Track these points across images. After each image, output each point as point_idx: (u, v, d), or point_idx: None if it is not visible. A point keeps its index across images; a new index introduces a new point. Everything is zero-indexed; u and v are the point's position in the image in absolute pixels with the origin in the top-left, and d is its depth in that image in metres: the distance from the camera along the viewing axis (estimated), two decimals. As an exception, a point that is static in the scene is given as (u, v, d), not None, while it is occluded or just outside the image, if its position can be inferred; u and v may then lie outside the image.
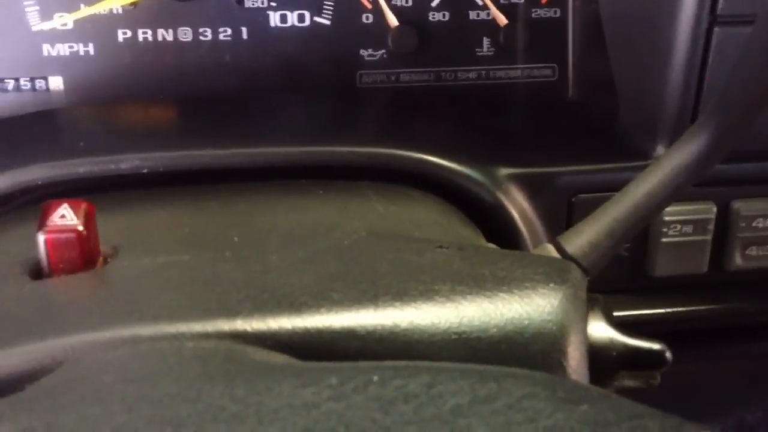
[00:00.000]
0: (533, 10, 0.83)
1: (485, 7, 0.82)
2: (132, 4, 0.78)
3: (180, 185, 0.60)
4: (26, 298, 0.45)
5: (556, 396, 0.33)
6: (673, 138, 0.67)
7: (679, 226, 0.70)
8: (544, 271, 0.46)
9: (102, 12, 0.78)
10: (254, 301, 0.42)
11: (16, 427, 0.33)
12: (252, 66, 0.81)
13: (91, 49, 0.79)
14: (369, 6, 0.81)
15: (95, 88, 0.79)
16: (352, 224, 0.54)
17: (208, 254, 0.48)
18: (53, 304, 0.44)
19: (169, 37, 0.79)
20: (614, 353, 0.47)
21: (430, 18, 0.82)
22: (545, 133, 0.77)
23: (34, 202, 0.58)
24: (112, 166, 0.60)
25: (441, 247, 0.49)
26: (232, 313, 0.41)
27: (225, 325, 0.40)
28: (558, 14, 0.83)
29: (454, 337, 0.42)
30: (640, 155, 0.70)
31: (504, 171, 0.66)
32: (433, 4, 0.82)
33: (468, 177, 0.64)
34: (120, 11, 0.78)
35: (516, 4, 0.83)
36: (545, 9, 0.83)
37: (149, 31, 0.79)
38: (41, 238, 0.46)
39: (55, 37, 0.78)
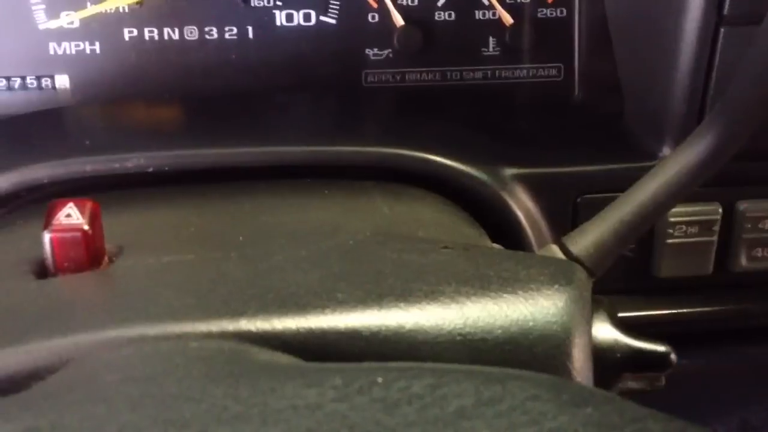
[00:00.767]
0: (539, 9, 0.83)
1: (491, 7, 0.82)
2: (138, 2, 0.78)
3: (185, 184, 0.60)
4: (31, 296, 0.45)
5: (560, 398, 0.33)
6: (679, 138, 0.67)
7: (684, 227, 0.70)
8: (549, 272, 0.46)
9: (108, 11, 0.78)
10: (259, 301, 0.42)
11: (21, 426, 0.33)
12: (258, 65, 0.81)
13: (97, 47, 0.79)
14: (375, 5, 0.81)
15: (101, 87, 0.79)
16: (357, 224, 0.54)
17: (213, 254, 0.49)
18: (58, 303, 0.44)
19: (175, 36, 0.79)
20: (619, 355, 0.47)
21: (436, 17, 0.82)
22: (551, 133, 0.77)
23: (40, 200, 0.58)
24: (118, 165, 0.60)
25: (446, 247, 0.49)
26: (237, 313, 0.41)
27: (229, 325, 0.40)
28: (564, 14, 0.83)
29: (458, 338, 0.42)
30: (646, 156, 0.70)
31: (509, 171, 0.66)
32: (439, 4, 0.82)
33: (473, 177, 0.64)
34: (126, 10, 0.78)
35: (522, 3, 0.82)
36: (551, 9, 0.83)
37: (155, 30, 0.79)
38: (47, 237, 0.46)
39: (62, 35, 0.78)
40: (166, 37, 0.79)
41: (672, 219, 0.70)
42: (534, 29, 0.83)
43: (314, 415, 0.32)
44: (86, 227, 0.46)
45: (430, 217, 0.59)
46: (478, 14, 0.83)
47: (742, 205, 0.71)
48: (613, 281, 0.60)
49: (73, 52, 0.78)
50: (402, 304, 0.42)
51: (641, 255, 0.72)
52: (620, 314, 0.50)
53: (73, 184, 0.60)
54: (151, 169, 0.60)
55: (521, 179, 0.66)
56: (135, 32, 0.79)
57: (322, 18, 0.81)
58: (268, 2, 0.80)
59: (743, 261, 0.72)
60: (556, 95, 0.84)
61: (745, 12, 0.65)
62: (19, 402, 0.36)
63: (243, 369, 0.37)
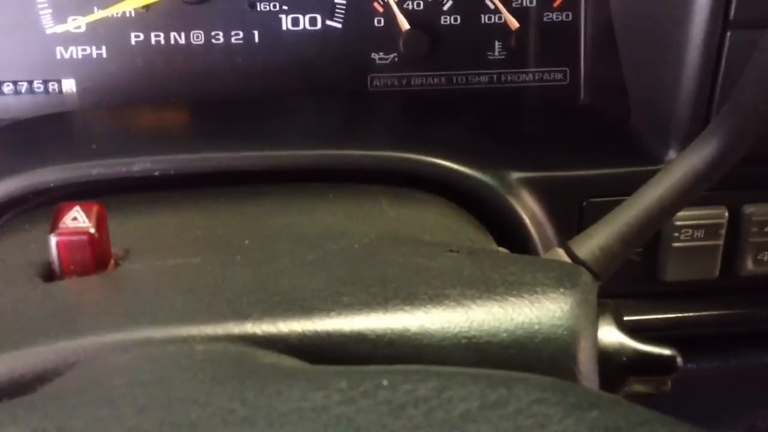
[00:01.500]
0: (545, 13, 0.83)
1: (497, 11, 0.82)
2: (145, 7, 0.78)
3: (191, 188, 0.60)
4: (38, 299, 0.45)
5: (566, 402, 0.33)
6: (685, 142, 0.67)
7: (690, 231, 0.70)
8: (555, 275, 0.46)
9: (115, 15, 0.78)
10: (265, 304, 0.42)
11: (28, 429, 0.33)
12: (264, 69, 0.81)
13: (103, 52, 0.79)
14: (381, 9, 0.81)
15: (108, 91, 0.79)
16: (363, 228, 0.54)
17: (219, 257, 0.49)
18: (65, 306, 0.44)
19: (182, 41, 0.79)
20: (624, 358, 0.47)
21: (442, 22, 0.82)
22: (557, 137, 0.77)
23: (47, 203, 0.59)
24: (124, 169, 0.60)
25: (451, 251, 0.49)
26: (243, 316, 0.41)
27: (235, 328, 0.40)
28: (570, 18, 0.83)
29: (464, 341, 0.42)
30: (652, 159, 0.70)
31: (515, 175, 0.66)
32: (445, 8, 0.82)
33: (479, 181, 0.64)
34: (133, 14, 0.78)
35: (528, 7, 0.83)
36: (557, 13, 0.83)
37: (162, 35, 0.79)
38: (53, 240, 0.46)
39: (69, 39, 0.78)
40: (172, 41, 0.79)
41: (678, 223, 0.70)
42: (540, 33, 0.83)
43: (320, 418, 0.32)
44: (93, 230, 0.46)
45: (436, 221, 0.59)
46: (484, 18, 0.83)
47: (749, 209, 0.71)
48: (620, 285, 0.60)
49: (80, 56, 0.79)
50: (407, 308, 0.42)
51: (647, 258, 0.72)
52: (627, 318, 0.50)
53: (80, 188, 0.60)
54: (157, 173, 0.61)
55: (527, 183, 0.66)
56: (141, 37, 0.79)
57: (328, 22, 0.81)
58: (274, 7, 0.80)
59: (750, 265, 0.72)
60: (562, 99, 0.84)
61: (752, 16, 0.65)
62: (25, 404, 0.36)
63: (249, 372, 0.37)
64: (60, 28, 0.78)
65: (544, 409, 0.33)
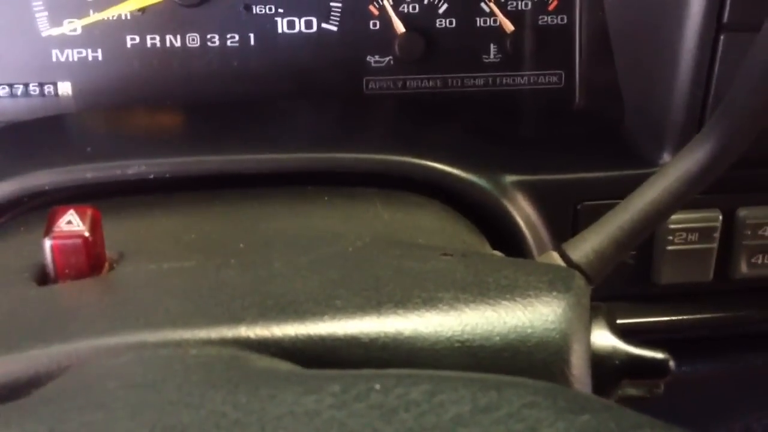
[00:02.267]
0: (540, 17, 0.83)
1: (492, 14, 0.82)
2: (140, 10, 0.78)
3: (186, 191, 0.60)
4: (32, 303, 0.45)
5: (557, 405, 0.33)
6: (679, 145, 0.67)
7: (684, 234, 0.70)
8: (548, 279, 0.46)
9: (111, 18, 0.78)
10: (258, 308, 0.42)
11: (21, 432, 0.33)
12: (259, 72, 0.81)
13: (99, 54, 0.79)
14: (376, 13, 0.81)
15: (103, 94, 0.79)
16: (357, 231, 0.54)
17: (213, 261, 0.49)
18: (59, 310, 0.44)
19: (177, 44, 0.80)
20: (617, 362, 0.47)
21: (437, 25, 0.82)
22: (551, 140, 0.77)
23: (42, 206, 0.59)
24: (119, 172, 0.60)
25: (445, 254, 0.49)
26: (236, 319, 0.41)
27: (228, 332, 0.41)
28: (565, 21, 0.83)
29: (456, 345, 0.42)
30: (646, 163, 0.70)
31: (510, 178, 0.66)
32: (440, 11, 0.82)
33: (473, 184, 0.64)
34: (128, 17, 0.78)
35: (523, 11, 0.83)
36: (552, 16, 0.83)
37: (157, 37, 0.79)
38: (47, 243, 0.46)
39: (64, 42, 0.78)
40: (168, 44, 0.79)
41: (672, 226, 0.70)
42: (535, 36, 0.83)
43: (312, 422, 0.32)
44: (87, 234, 0.46)
45: (430, 224, 0.59)
46: (479, 21, 0.83)
47: (742, 212, 0.71)
48: (614, 288, 0.60)
49: (76, 59, 0.79)
50: (401, 311, 0.43)
51: (641, 262, 0.72)
52: (620, 321, 0.50)
53: (75, 191, 0.60)
54: (152, 176, 0.61)
55: (522, 186, 0.67)
56: (137, 39, 0.79)
57: (324, 25, 0.81)
58: (270, 10, 0.80)
59: (743, 268, 0.72)
60: (557, 102, 0.84)
61: (745, 19, 0.65)
62: (19, 408, 0.36)
63: (242, 376, 0.37)
64: (56, 31, 0.78)
65: (535, 412, 0.33)
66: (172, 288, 0.45)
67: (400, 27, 0.81)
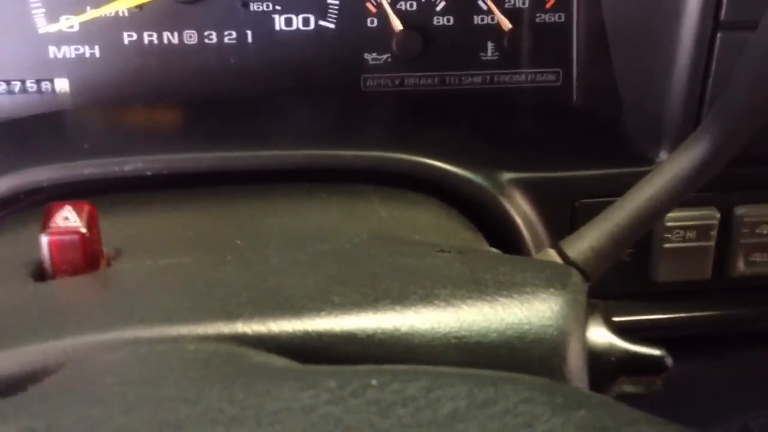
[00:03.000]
0: (537, 15, 0.83)
1: (490, 12, 0.82)
2: (138, 6, 0.78)
3: (183, 188, 0.60)
4: (29, 299, 0.45)
5: (553, 401, 0.33)
6: (676, 143, 0.67)
7: (682, 232, 0.70)
8: (545, 276, 0.46)
9: (108, 15, 0.78)
10: (255, 304, 0.42)
11: (18, 428, 0.33)
12: (257, 69, 0.81)
13: (96, 51, 0.79)
14: (374, 10, 0.81)
15: (101, 91, 0.79)
16: (354, 228, 0.54)
17: (210, 257, 0.49)
18: (56, 306, 0.44)
19: (175, 40, 0.79)
20: (614, 359, 0.48)
21: (435, 22, 0.82)
22: (549, 138, 0.77)
23: (39, 203, 0.59)
24: (116, 169, 0.60)
25: (442, 251, 0.49)
26: (233, 315, 0.41)
27: (225, 328, 0.41)
28: (562, 19, 0.83)
29: (453, 341, 0.42)
30: (643, 160, 0.70)
31: (507, 175, 0.66)
32: (438, 9, 0.82)
33: (471, 181, 0.64)
34: (126, 14, 0.78)
35: (520, 8, 0.83)
36: (549, 14, 0.83)
37: (154, 34, 0.79)
38: (44, 239, 0.46)
39: (62, 39, 0.78)
40: (165, 41, 0.79)
41: (669, 224, 0.70)
42: (532, 34, 0.83)
43: (309, 418, 0.32)
44: (84, 230, 0.46)
45: (428, 221, 0.59)
46: (477, 19, 0.83)
47: (740, 210, 0.71)
48: (612, 285, 0.61)
49: (73, 55, 0.79)
50: (398, 308, 0.43)
51: (639, 259, 0.72)
52: (618, 318, 0.50)
53: (72, 187, 0.60)
54: (149, 173, 0.61)
55: (519, 184, 0.67)
56: (134, 36, 0.79)
57: (321, 23, 0.81)
58: (268, 7, 0.80)
59: (741, 266, 0.73)
60: (555, 100, 0.84)
61: (742, 18, 0.65)
62: (15, 404, 0.36)
63: (239, 371, 0.37)
64: (53, 28, 0.78)
65: (531, 408, 0.33)
66: (169, 284, 0.45)
67: (397, 24, 0.81)
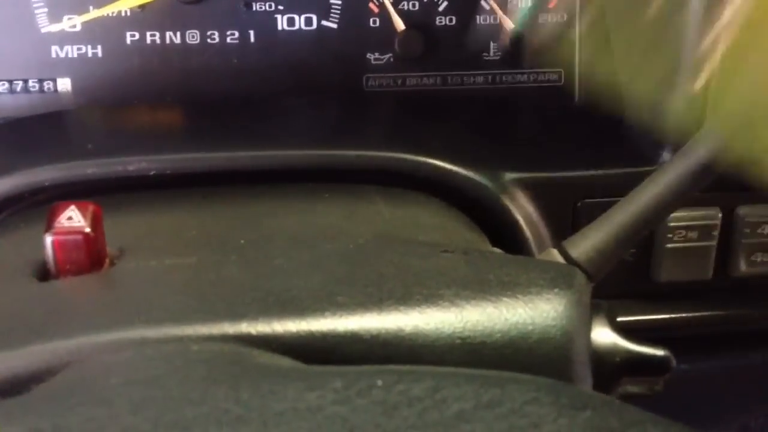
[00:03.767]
0: (540, 14, 0.83)
1: (492, 12, 0.83)
2: (140, 6, 0.78)
3: (187, 187, 0.60)
4: (33, 299, 0.45)
5: (559, 402, 0.33)
6: (679, 144, 0.67)
7: (684, 232, 0.70)
8: (549, 276, 0.46)
9: (110, 14, 0.78)
10: (260, 304, 0.42)
11: (23, 428, 0.33)
12: (259, 69, 0.81)
13: (99, 51, 0.79)
14: (376, 10, 0.81)
15: (103, 90, 0.79)
16: (358, 228, 0.55)
17: (215, 257, 0.49)
18: (60, 306, 0.44)
19: (177, 40, 0.79)
20: (618, 359, 0.48)
21: (437, 22, 0.82)
22: (551, 138, 0.77)
23: (42, 203, 0.59)
24: (120, 168, 0.61)
25: (446, 251, 0.49)
26: (238, 316, 0.41)
27: (230, 328, 0.41)
28: (565, 19, 0.83)
29: (458, 341, 0.42)
30: (646, 161, 0.70)
31: (510, 175, 0.66)
32: (440, 9, 0.82)
33: (473, 181, 0.64)
34: (128, 14, 0.78)
35: (523, 8, 0.83)
36: (552, 13, 0.83)
37: (157, 34, 0.79)
38: (48, 239, 0.46)
39: (64, 39, 0.78)
40: (168, 41, 0.79)
41: (672, 223, 0.70)
42: (535, 34, 0.83)
43: (314, 418, 0.33)
44: (88, 230, 0.46)
45: (431, 221, 0.59)
46: (480, 19, 0.83)
47: (742, 210, 0.71)
48: (613, 285, 0.60)
49: (75, 55, 0.79)
50: (402, 308, 0.43)
51: (641, 259, 0.72)
52: (620, 318, 0.50)
53: (75, 187, 0.60)
54: (152, 173, 0.61)
55: (522, 183, 0.67)
56: (137, 36, 0.79)
57: (324, 23, 0.81)
58: (270, 7, 0.80)
59: (743, 266, 0.73)
60: (557, 100, 0.84)
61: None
62: (20, 404, 0.36)
63: (244, 372, 0.37)
64: (55, 27, 0.78)
65: (537, 409, 0.33)
66: (174, 284, 0.45)
67: (400, 24, 0.81)
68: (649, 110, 0.72)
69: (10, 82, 0.79)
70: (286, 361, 0.40)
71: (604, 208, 0.54)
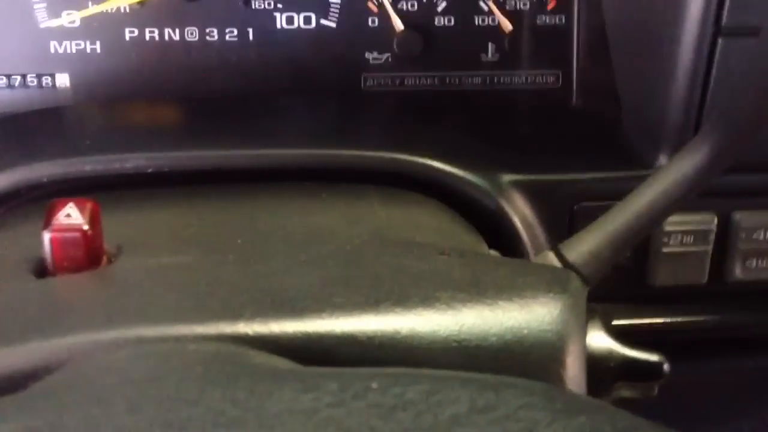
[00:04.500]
0: (538, 16, 0.83)
1: (491, 13, 0.83)
2: (139, 3, 0.78)
3: (185, 185, 0.60)
4: (30, 296, 0.45)
5: (554, 407, 0.33)
6: (675, 148, 0.68)
7: (679, 237, 0.70)
8: (545, 280, 0.46)
9: (109, 10, 0.78)
10: (256, 304, 0.42)
11: (19, 426, 0.33)
12: (258, 67, 0.81)
13: (98, 47, 0.79)
14: (375, 10, 0.81)
15: (101, 86, 0.79)
16: (355, 229, 0.55)
17: (212, 256, 0.49)
18: (57, 303, 0.44)
19: (176, 37, 0.79)
20: (612, 364, 0.48)
21: (436, 23, 0.82)
22: (548, 140, 0.77)
23: (40, 199, 0.59)
24: (118, 165, 0.61)
25: (442, 253, 0.50)
26: (235, 315, 0.41)
27: (227, 328, 0.41)
28: (563, 21, 0.84)
29: (453, 344, 0.42)
30: (643, 164, 0.70)
31: (506, 177, 0.66)
32: (439, 9, 0.82)
33: (470, 183, 0.65)
34: (127, 10, 0.78)
35: (521, 10, 0.83)
36: (550, 16, 0.83)
37: (156, 31, 0.79)
38: (46, 236, 0.46)
39: (63, 34, 0.78)
40: (166, 37, 0.79)
41: (668, 228, 0.70)
42: (533, 36, 0.83)
43: (310, 420, 0.33)
44: (86, 227, 0.46)
45: (428, 223, 0.59)
46: (478, 20, 0.83)
47: (738, 216, 0.72)
48: (609, 289, 0.60)
49: (74, 51, 0.79)
50: (398, 310, 0.43)
51: (636, 263, 0.72)
52: (615, 322, 0.51)
53: (73, 184, 0.60)
54: (150, 170, 0.61)
55: (518, 186, 0.67)
56: (136, 32, 0.79)
57: (323, 21, 0.81)
58: (269, 5, 0.80)
59: (738, 271, 0.73)
60: (554, 102, 0.85)
61: (743, 24, 0.66)
62: (17, 402, 0.36)
63: (240, 372, 0.37)
64: (54, 23, 0.78)
65: (531, 413, 0.33)
66: (171, 283, 0.45)
67: (398, 24, 0.81)
68: (646, 114, 0.72)
69: (8, 77, 0.78)
70: (282, 362, 0.40)
71: (601, 211, 0.54)
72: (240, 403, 0.34)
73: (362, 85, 0.83)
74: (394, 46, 0.82)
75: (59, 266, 0.46)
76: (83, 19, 0.78)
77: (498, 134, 0.77)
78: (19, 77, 0.79)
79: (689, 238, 0.71)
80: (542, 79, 0.85)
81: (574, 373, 0.43)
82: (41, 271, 0.47)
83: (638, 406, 0.47)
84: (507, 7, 0.83)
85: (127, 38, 0.79)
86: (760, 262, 0.73)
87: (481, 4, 0.82)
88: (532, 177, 0.68)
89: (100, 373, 0.38)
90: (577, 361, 0.44)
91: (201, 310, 0.42)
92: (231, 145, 0.63)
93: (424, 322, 0.42)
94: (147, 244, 0.51)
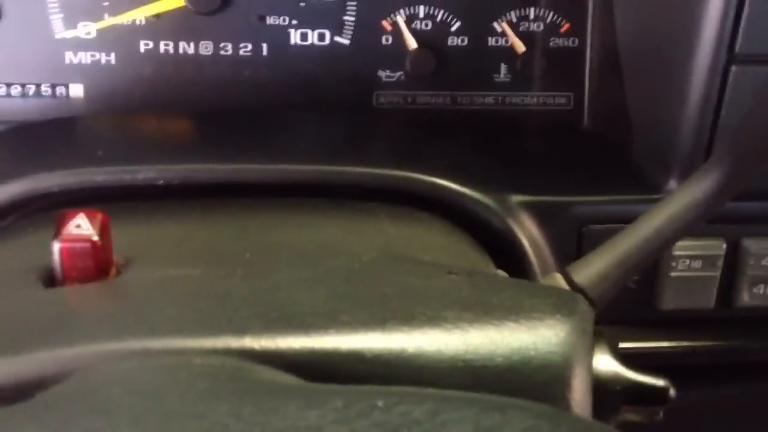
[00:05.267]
0: (551, 39, 0.83)
1: (504, 34, 0.83)
2: (155, 16, 0.78)
3: (195, 198, 0.61)
4: (38, 305, 0.45)
5: (558, 429, 0.33)
6: (686, 173, 0.68)
7: (688, 261, 0.70)
8: (552, 302, 0.46)
9: (125, 23, 0.79)
10: (263, 319, 0.42)
11: (24, 435, 0.33)
12: (270, 82, 0.81)
13: (112, 58, 0.79)
14: (389, 28, 0.82)
15: (115, 98, 0.80)
16: (363, 246, 0.55)
17: (220, 270, 0.49)
18: (65, 313, 0.44)
19: (190, 50, 0.80)
20: (618, 387, 0.47)
21: (449, 42, 0.83)
22: (558, 162, 0.77)
23: (50, 208, 0.59)
24: (129, 177, 0.61)
25: (450, 272, 0.50)
26: (241, 330, 0.41)
27: (233, 343, 0.41)
28: (576, 44, 0.84)
29: (460, 364, 0.42)
30: (653, 188, 0.70)
31: (516, 198, 0.66)
32: (453, 29, 0.82)
33: (479, 203, 0.65)
34: (143, 22, 0.79)
35: (535, 32, 0.83)
36: (563, 38, 0.84)
37: (171, 44, 0.80)
38: (56, 246, 0.46)
39: (78, 45, 0.79)
40: (181, 50, 0.80)
41: (676, 252, 0.70)
42: (545, 58, 0.84)
43: (315, 437, 0.33)
44: (96, 238, 0.46)
45: (436, 242, 0.59)
46: (491, 41, 0.83)
47: (746, 242, 0.72)
48: (616, 312, 0.60)
49: (89, 61, 0.79)
50: (405, 328, 0.43)
51: (644, 287, 0.72)
52: (621, 345, 0.51)
53: (83, 194, 0.60)
54: (161, 182, 0.61)
55: (527, 206, 0.67)
56: (151, 45, 0.80)
57: (336, 38, 0.81)
58: (284, 21, 0.81)
59: (745, 297, 0.73)
60: (565, 124, 0.85)
61: (756, 51, 0.66)
62: (22, 411, 0.36)
63: (245, 387, 0.37)
64: (70, 33, 0.78)
65: (536, 436, 0.33)
66: (178, 296, 0.46)
67: (412, 43, 0.82)
68: (657, 138, 0.72)
69: (23, 85, 0.79)
70: (288, 378, 0.40)
71: (610, 234, 0.54)
72: (245, 418, 0.34)
73: (374, 102, 0.83)
74: (407, 65, 0.82)
75: (68, 276, 0.47)
76: (99, 31, 0.79)
77: (508, 155, 0.77)
78: (33, 87, 0.79)
79: (697, 263, 0.70)
80: (554, 100, 0.85)
81: (579, 395, 0.43)
82: (50, 280, 0.47)
83: (644, 430, 0.47)
84: (520, 29, 0.83)
85: (142, 50, 0.80)
86: (767, 288, 0.72)
87: (495, 25, 0.83)
88: (542, 198, 0.68)
89: (105, 385, 0.38)
90: (582, 383, 0.43)
91: (208, 324, 0.42)
92: (242, 159, 0.64)
93: (431, 342, 0.42)
94: (156, 256, 0.51)
